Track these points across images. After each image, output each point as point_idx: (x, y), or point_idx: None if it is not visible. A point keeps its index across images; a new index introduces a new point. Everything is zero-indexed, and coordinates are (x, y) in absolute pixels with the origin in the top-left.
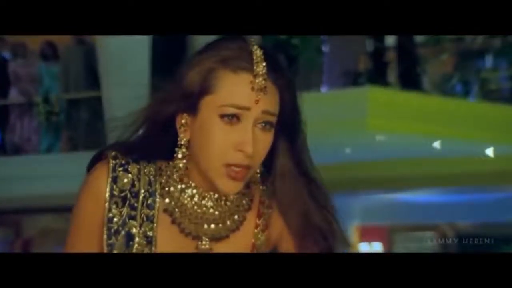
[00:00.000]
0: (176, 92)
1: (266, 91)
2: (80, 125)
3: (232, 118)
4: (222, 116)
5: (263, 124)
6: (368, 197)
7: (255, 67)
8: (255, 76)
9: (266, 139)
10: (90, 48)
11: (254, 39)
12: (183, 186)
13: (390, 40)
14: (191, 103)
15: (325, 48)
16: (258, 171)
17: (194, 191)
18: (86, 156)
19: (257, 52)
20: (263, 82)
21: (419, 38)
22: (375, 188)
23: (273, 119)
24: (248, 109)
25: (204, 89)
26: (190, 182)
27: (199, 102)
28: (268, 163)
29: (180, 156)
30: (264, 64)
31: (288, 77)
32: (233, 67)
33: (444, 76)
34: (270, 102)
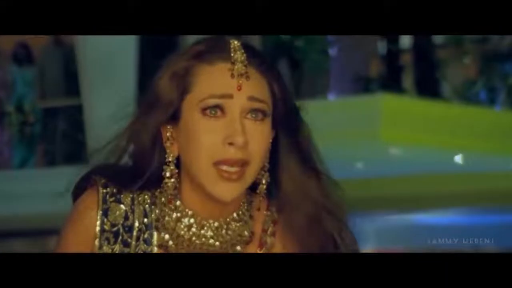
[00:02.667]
0: (153, 104)
1: (248, 77)
2: (57, 137)
3: (216, 112)
4: (204, 110)
5: (253, 115)
6: (382, 218)
7: (232, 55)
8: (233, 63)
9: (260, 130)
10: (69, 50)
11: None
12: (179, 214)
13: (405, 41)
14: (172, 112)
15: (332, 51)
16: (264, 181)
17: (192, 220)
18: (65, 172)
19: (234, 42)
20: (243, 67)
21: (438, 39)
22: (389, 208)
23: (264, 106)
24: (230, 96)
25: (182, 91)
26: (187, 210)
27: (179, 107)
28: (273, 173)
29: (168, 174)
30: (242, 51)
31: (271, 65)
32: (209, 59)
33: (466, 82)
34: (255, 88)
